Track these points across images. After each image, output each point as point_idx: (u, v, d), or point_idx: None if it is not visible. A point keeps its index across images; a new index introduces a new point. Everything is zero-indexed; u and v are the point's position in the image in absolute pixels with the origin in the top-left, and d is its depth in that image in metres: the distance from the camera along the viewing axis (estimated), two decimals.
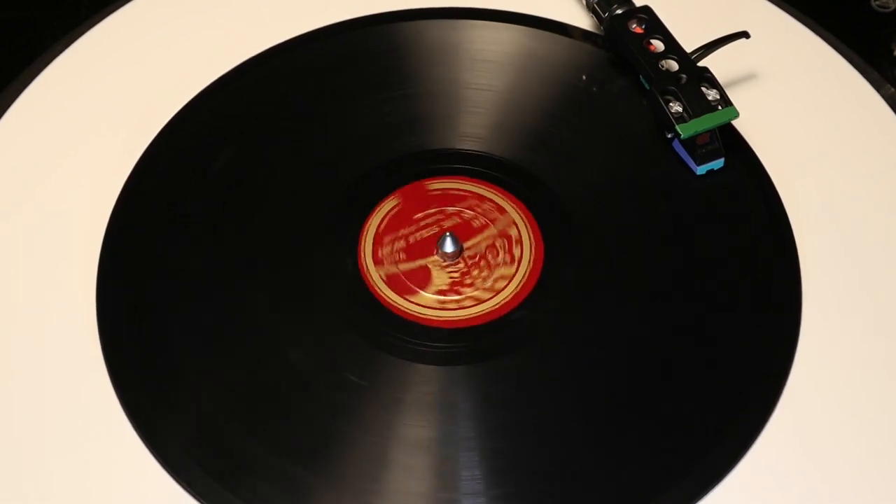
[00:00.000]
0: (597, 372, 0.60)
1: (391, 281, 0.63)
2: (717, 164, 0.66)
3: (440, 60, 0.71)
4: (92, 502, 0.57)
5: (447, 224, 0.65)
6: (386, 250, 0.64)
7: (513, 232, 0.64)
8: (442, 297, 0.63)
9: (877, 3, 0.75)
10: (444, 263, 0.64)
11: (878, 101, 0.70)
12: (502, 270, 0.63)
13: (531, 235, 0.65)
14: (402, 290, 0.63)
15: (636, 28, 0.69)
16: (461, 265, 0.64)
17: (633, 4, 0.70)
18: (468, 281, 0.63)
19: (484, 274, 0.63)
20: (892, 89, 0.70)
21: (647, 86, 0.67)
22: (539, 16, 0.73)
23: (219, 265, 0.63)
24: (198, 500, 0.56)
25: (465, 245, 0.64)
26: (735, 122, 0.66)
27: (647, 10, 0.70)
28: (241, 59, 0.71)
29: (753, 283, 0.63)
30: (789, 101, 0.70)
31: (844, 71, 0.71)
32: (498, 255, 0.64)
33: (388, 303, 0.62)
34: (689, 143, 0.66)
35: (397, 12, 0.73)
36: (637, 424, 0.59)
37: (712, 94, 0.65)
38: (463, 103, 0.69)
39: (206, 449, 0.58)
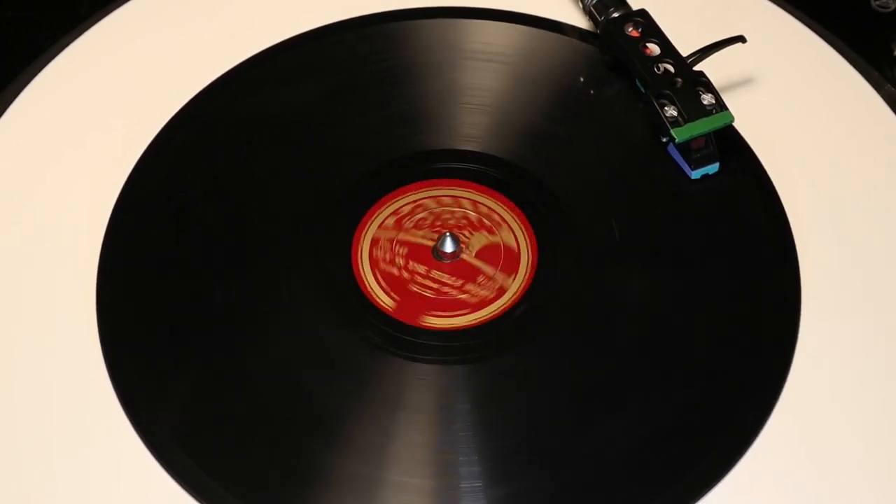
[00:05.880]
0: (596, 372, 0.60)
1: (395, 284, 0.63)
2: (712, 168, 0.66)
3: (440, 60, 0.71)
4: (91, 502, 0.57)
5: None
6: (387, 253, 0.64)
7: (504, 238, 0.64)
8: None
9: (877, 3, 0.75)
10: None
11: (877, 101, 0.70)
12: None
13: (526, 237, 0.65)
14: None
15: (632, 31, 0.69)
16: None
17: (629, 7, 0.70)
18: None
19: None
20: (892, 89, 0.71)
21: (642, 89, 0.67)
22: (538, 16, 0.73)
23: (219, 265, 0.63)
24: (197, 499, 0.56)
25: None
26: (734, 123, 0.66)
27: (643, 13, 0.70)
28: (241, 59, 0.71)
29: (753, 283, 0.63)
30: (789, 101, 0.70)
31: (844, 71, 0.71)
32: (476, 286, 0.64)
33: (382, 305, 0.62)
34: (684, 148, 0.66)
35: (397, 12, 0.73)
36: (636, 424, 0.59)
37: (708, 99, 0.65)
38: (462, 103, 0.69)
39: (205, 448, 0.58)
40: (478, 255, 0.64)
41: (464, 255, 0.64)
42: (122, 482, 0.57)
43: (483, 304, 0.63)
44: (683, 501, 0.56)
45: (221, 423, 0.58)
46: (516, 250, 0.64)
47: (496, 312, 0.62)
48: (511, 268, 0.63)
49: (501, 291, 0.63)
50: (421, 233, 0.65)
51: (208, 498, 0.56)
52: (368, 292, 0.63)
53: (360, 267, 0.64)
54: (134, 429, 0.58)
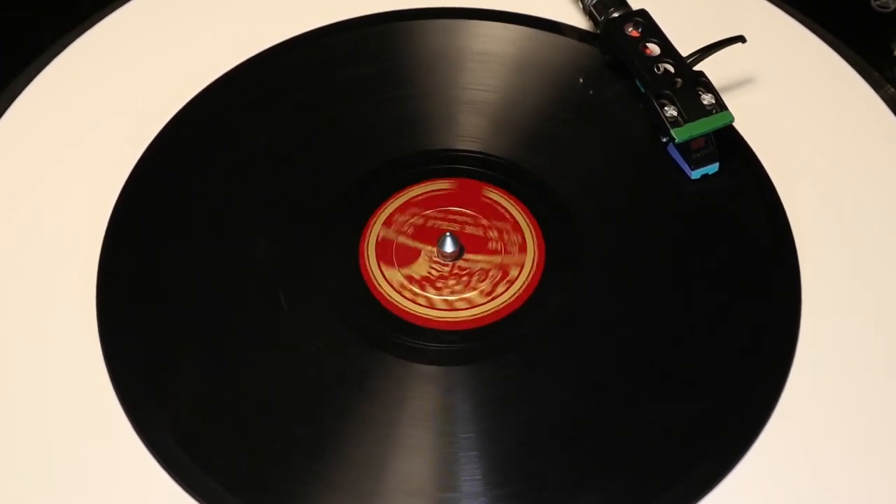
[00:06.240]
0: (596, 372, 0.60)
1: (382, 245, 0.63)
2: (712, 168, 0.66)
3: (440, 60, 0.71)
4: (91, 502, 0.57)
5: (467, 230, 0.65)
6: (402, 217, 0.64)
7: (513, 272, 0.64)
8: (406, 284, 0.63)
9: (877, 3, 0.75)
10: (435, 258, 0.64)
11: (877, 102, 0.70)
12: (473, 295, 0.63)
13: (535, 241, 0.64)
14: (383, 258, 0.63)
15: (632, 31, 0.69)
16: (447, 268, 0.64)
17: (629, 7, 0.70)
18: (439, 284, 0.63)
19: (457, 288, 0.63)
20: (892, 89, 0.71)
21: (642, 89, 0.67)
22: (538, 16, 0.73)
23: (219, 265, 0.64)
24: (197, 500, 0.56)
25: (466, 256, 0.64)
26: (734, 123, 0.66)
27: (643, 13, 0.70)
28: (241, 60, 0.71)
29: (753, 283, 0.63)
30: (789, 101, 0.70)
31: (844, 71, 0.71)
32: (483, 281, 0.63)
33: (390, 303, 0.62)
34: (684, 148, 0.66)
35: (397, 12, 0.73)
36: (636, 424, 0.59)
37: (707, 99, 0.65)
38: (462, 104, 0.69)
39: (205, 449, 0.58)
40: (425, 275, 0.64)
41: (423, 259, 0.64)
42: (122, 482, 0.57)
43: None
44: (683, 501, 0.56)
45: (221, 422, 0.58)
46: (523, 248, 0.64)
47: (499, 312, 0.62)
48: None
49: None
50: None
51: (208, 498, 0.56)
52: (375, 290, 0.63)
53: (368, 266, 0.63)
54: (134, 429, 0.58)
